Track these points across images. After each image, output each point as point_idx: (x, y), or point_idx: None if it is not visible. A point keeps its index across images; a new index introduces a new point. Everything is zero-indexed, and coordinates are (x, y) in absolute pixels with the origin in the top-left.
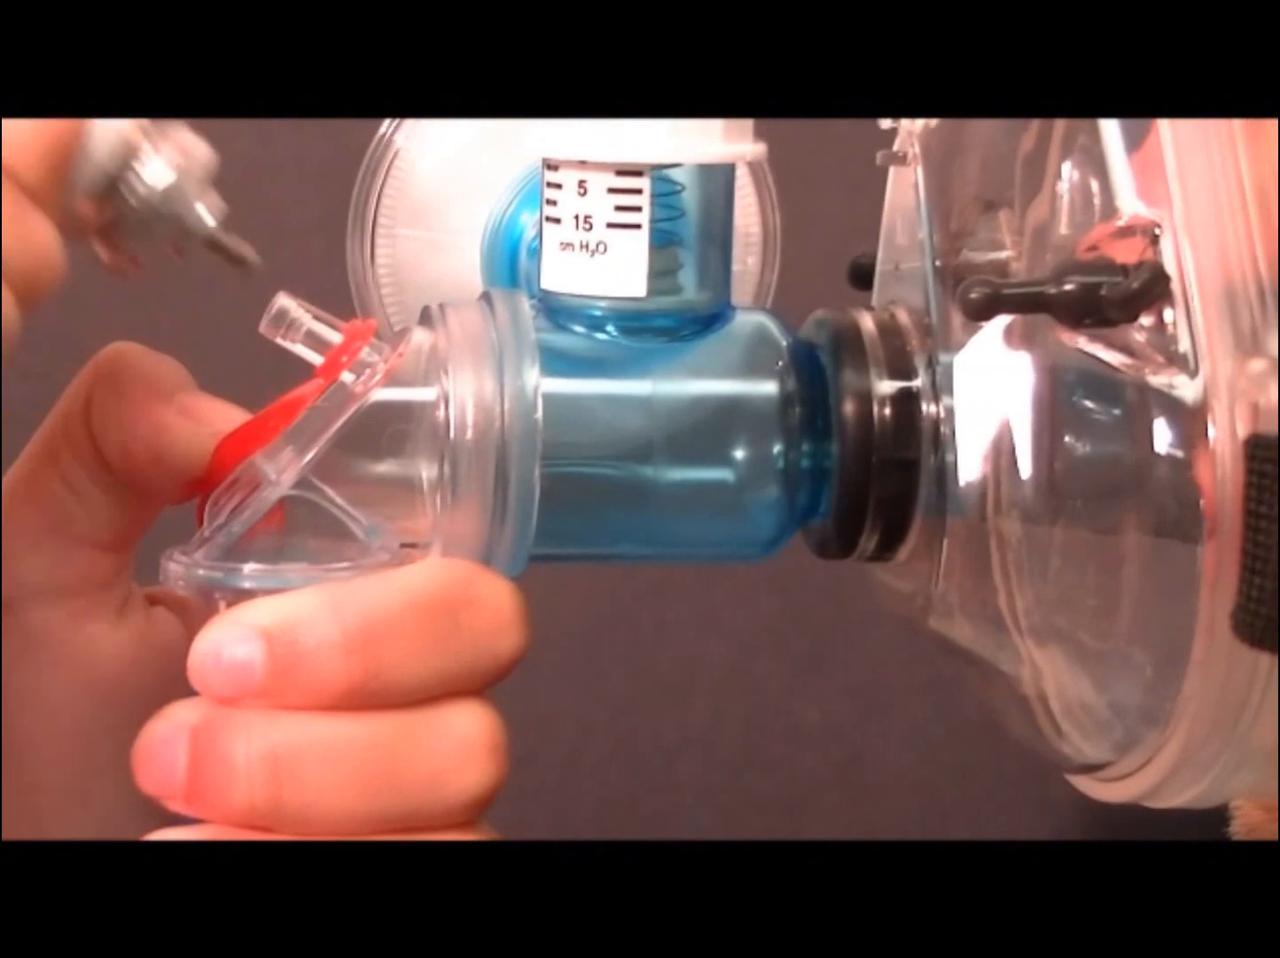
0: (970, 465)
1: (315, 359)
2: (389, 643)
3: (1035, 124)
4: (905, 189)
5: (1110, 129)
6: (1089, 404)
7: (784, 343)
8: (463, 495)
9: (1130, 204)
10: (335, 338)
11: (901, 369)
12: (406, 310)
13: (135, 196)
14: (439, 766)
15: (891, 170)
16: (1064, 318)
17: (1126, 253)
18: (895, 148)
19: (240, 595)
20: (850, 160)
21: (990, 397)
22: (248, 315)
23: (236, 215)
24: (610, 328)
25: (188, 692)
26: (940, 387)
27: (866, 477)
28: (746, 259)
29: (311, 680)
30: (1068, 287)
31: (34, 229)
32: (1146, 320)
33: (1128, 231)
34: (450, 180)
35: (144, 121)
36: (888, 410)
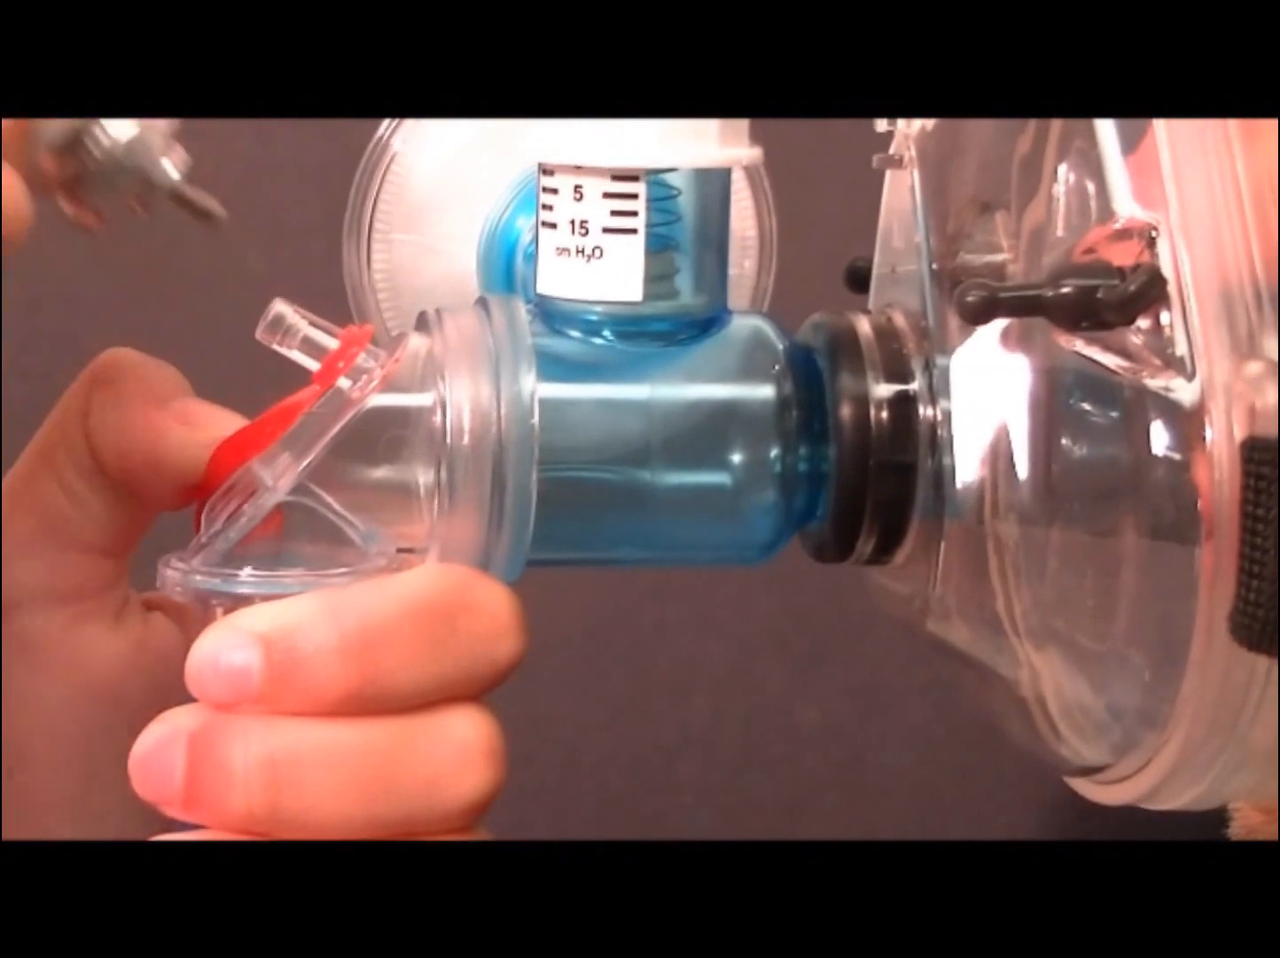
0: (967, 468)
1: (312, 365)
2: (386, 649)
3: (1031, 126)
4: (901, 192)
5: (1106, 131)
6: (1086, 407)
7: (780, 347)
8: (460, 501)
9: (1126, 207)
10: (331, 343)
11: (898, 372)
12: (403, 315)
13: (99, 149)
14: (436, 771)
15: (888, 173)
16: (1061, 321)
17: (1123, 256)
18: (891, 151)
19: (237, 601)
20: (846, 163)
21: (987, 400)
22: (244, 321)
23: (237, 216)
24: (606, 333)
25: (185, 698)
26: (937, 390)
27: (863, 480)
28: (743, 263)
29: (309, 686)
30: (1064, 290)
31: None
32: (1143, 323)
33: (1124, 234)
34: (446, 185)
35: None
36: (885, 414)
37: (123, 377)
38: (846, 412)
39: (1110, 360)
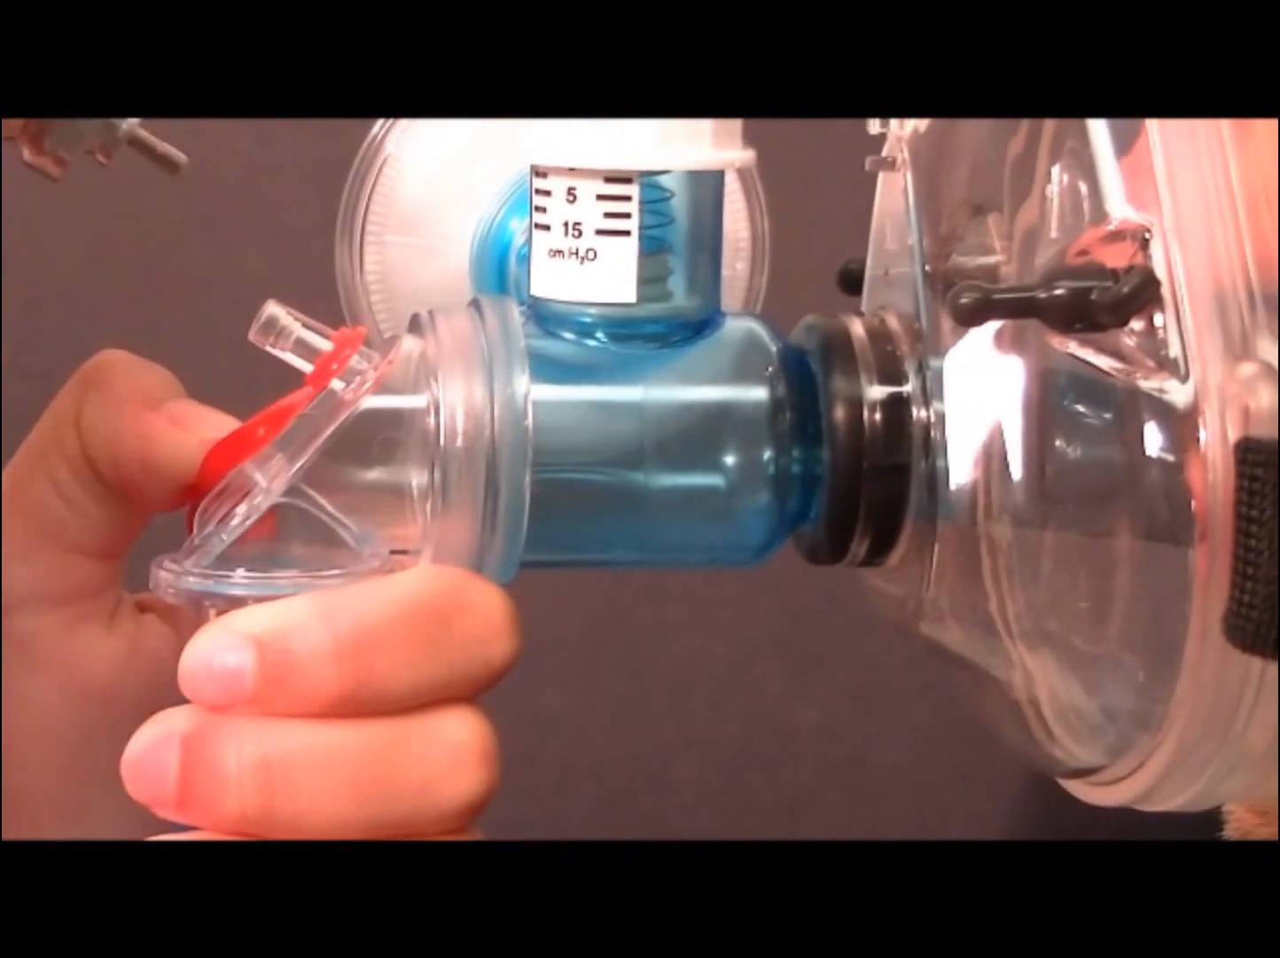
0: (961, 470)
1: (305, 367)
2: (380, 650)
3: (1024, 127)
4: (894, 194)
5: (1099, 133)
6: (1080, 408)
7: (774, 348)
8: (453, 502)
9: (1120, 208)
10: (325, 345)
11: (892, 374)
12: (396, 317)
13: None
14: (430, 773)
15: (880, 175)
16: (1054, 323)
17: (1116, 257)
18: (884, 153)
19: (231, 603)
20: (839, 165)
21: (981, 401)
22: (243, 321)
23: (236, 216)
24: (600, 334)
25: (178, 699)
26: (930, 392)
27: (857, 482)
28: (736, 264)
29: (303, 688)
30: (1058, 291)
31: None
32: (1137, 325)
33: (1117, 236)
34: (439, 186)
35: None
36: (878, 416)
37: (115, 378)
38: (840, 414)
39: (1104, 362)
